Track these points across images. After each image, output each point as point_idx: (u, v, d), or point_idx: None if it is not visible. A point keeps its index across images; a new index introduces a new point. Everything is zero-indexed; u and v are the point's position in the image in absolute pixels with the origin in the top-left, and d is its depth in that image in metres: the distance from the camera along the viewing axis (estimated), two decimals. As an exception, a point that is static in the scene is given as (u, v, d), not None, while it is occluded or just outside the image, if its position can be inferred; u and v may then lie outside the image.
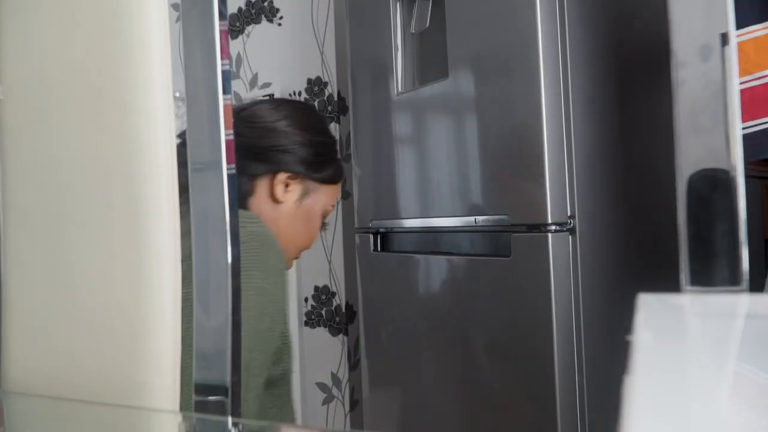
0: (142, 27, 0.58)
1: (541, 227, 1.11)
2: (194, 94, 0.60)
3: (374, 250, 1.62)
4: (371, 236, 1.61)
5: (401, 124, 1.54)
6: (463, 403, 1.30)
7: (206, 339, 0.59)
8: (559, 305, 1.07)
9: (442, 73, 1.36)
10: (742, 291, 0.48)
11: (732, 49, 0.47)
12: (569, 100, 1.10)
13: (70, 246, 0.61)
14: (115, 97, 0.58)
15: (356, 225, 1.69)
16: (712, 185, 0.49)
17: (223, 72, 0.59)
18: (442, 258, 1.39)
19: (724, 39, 0.48)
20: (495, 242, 1.24)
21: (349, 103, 1.70)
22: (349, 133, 2.22)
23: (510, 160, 1.19)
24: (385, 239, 1.62)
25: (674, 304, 0.48)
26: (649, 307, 0.43)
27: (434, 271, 1.41)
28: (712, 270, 0.48)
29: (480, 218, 1.25)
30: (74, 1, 0.61)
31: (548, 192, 1.09)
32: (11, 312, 0.63)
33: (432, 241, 1.46)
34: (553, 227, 1.09)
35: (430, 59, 1.48)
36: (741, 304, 0.47)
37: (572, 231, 1.09)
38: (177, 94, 0.64)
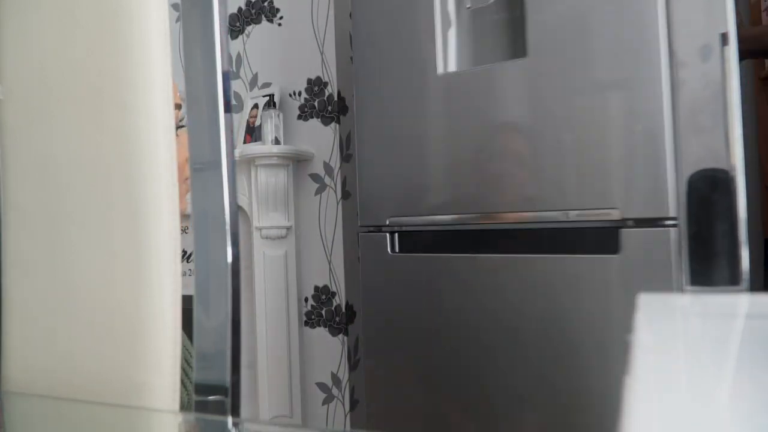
0: (142, 27, 0.58)
1: (657, 221, 1.04)
2: (194, 94, 0.60)
3: (393, 251, 1.49)
4: (387, 236, 1.49)
5: (444, 111, 1.38)
6: (550, 413, 1.23)
7: (206, 339, 0.59)
8: None
9: (518, 51, 1.26)
10: (742, 291, 0.48)
11: (732, 49, 0.47)
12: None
13: (70, 246, 0.61)
14: (115, 97, 0.58)
15: (361, 223, 1.56)
16: (712, 185, 0.49)
17: (223, 72, 0.59)
18: (514, 257, 1.27)
19: (724, 39, 0.48)
20: (594, 238, 1.16)
21: (353, 93, 1.56)
22: (349, 133, 2.22)
23: (617, 150, 1.10)
24: (406, 239, 1.48)
25: (674, 303, 0.48)
26: (649, 307, 0.43)
27: (504, 272, 1.30)
28: (712, 270, 0.48)
29: (573, 212, 1.16)
30: (74, 1, 0.61)
31: (669, 184, 1.03)
32: (11, 312, 0.63)
33: (482, 239, 1.34)
34: (672, 222, 1.04)
35: (491, 36, 1.36)
36: (741, 303, 0.47)
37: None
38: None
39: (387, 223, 1.47)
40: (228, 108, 0.59)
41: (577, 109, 1.18)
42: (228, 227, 0.58)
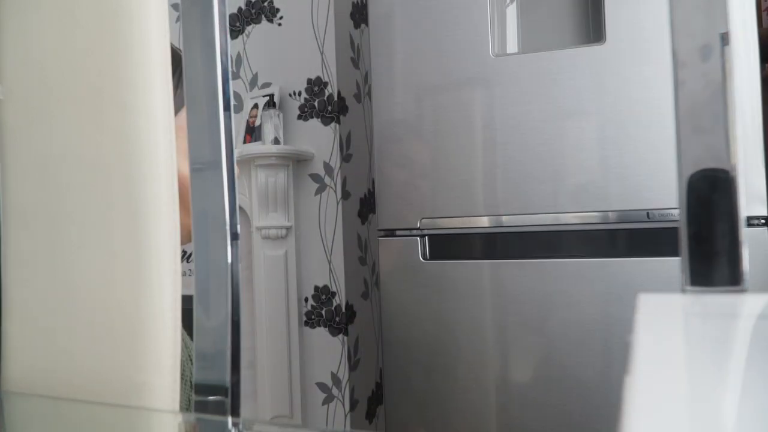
0: (142, 27, 0.58)
1: (751, 221, 0.98)
2: (194, 94, 0.60)
3: (424, 257, 1.26)
4: (418, 240, 1.26)
5: (497, 97, 1.18)
6: None
7: (206, 339, 0.59)
8: None
9: (593, 36, 1.14)
10: (742, 291, 0.48)
11: (732, 49, 0.47)
12: None
13: (70, 246, 0.61)
14: (115, 97, 0.58)
15: (381, 227, 1.31)
16: (712, 185, 0.49)
17: (223, 72, 0.59)
18: (587, 261, 1.11)
19: (724, 39, 0.48)
20: (672, 239, 1.10)
21: (370, 81, 1.33)
22: (349, 133, 2.22)
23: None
24: (437, 243, 1.25)
25: (674, 303, 0.48)
26: (648, 306, 0.43)
27: (567, 279, 1.14)
28: (712, 270, 0.48)
29: (656, 212, 1.06)
30: (74, 1, 0.61)
31: (765, 182, 0.96)
32: (11, 312, 0.63)
33: (538, 241, 1.16)
34: (764, 221, 0.97)
35: (553, 19, 1.21)
36: (741, 303, 0.47)
37: None
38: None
39: (418, 225, 1.26)
40: (228, 108, 0.59)
41: (656, 98, 1.06)
42: (228, 227, 0.58)
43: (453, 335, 1.21)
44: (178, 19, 0.67)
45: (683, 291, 0.47)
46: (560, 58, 1.16)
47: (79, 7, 0.60)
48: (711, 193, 0.49)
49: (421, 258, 1.24)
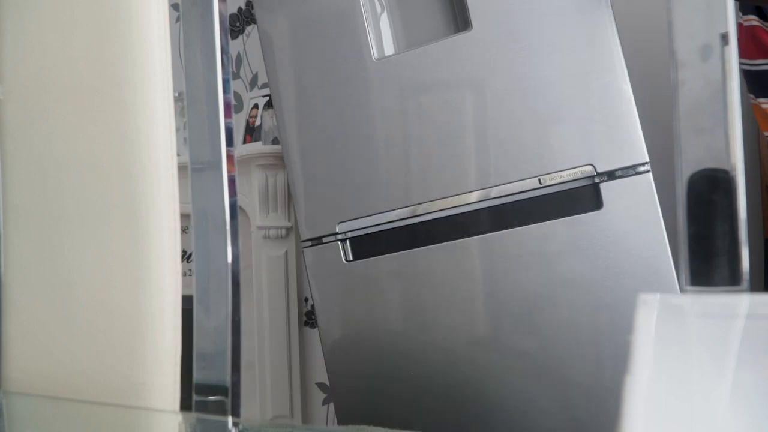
0: (142, 27, 0.58)
1: (632, 169, 1.06)
2: (194, 94, 0.60)
3: (347, 259, 1.31)
4: (339, 244, 1.31)
5: (387, 96, 1.27)
6: (548, 387, 1.15)
7: (206, 339, 0.59)
8: (672, 244, 1.03)
9: (460, 25, 1.21)
10: (742, 291, 0.48)
11: (732, 49, 0.47)
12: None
13: (70, 246, 0.61)
14: (115, 97, 0.58)
15: (304, 238, 1.34)
16: (712, 185, 0.49)
17: (223, 72, 0.59)
18: (488, 237, 1.17)
19: (724, 39, 0.48)
20: (572, 198, 1.13)
21: (278, 95, 1.38)
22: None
23: (581, 107, 1.10)
24: (359, 244, 1.30)
25: (674, 303, 0.48)
26: (649, 306, 0.43)
27: (478, 255, 1.20)
28: (712, 270, 0.48)
29: (546, 177, 1.13)
30: (73, 1, 0.61)
31: (641, 130, 1.04)
32: (11, 312, 0.63)
33: (449, 225, 1.23)
34: (647, 167, 1.05)
35: (420, 16, 1.29)
36: (741, 303, 0.47)
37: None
38: (177, 94, 0.64)
39: (336, 230, 1.31)
40: (228, 108, 0.59)
41: (528, 74, 1.15)
42: (228, 227, 0.58)
43: (386, 328, 1.30)
44: (178, 19, 0.67)
45: (683, 291, 0.47)
46: (434, 50, 1.23)
47: (78, 6, 0.60)
48: (711, 193, 0.49)
49: (344, 260, 1.31)
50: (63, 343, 0.61)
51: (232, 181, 0.59)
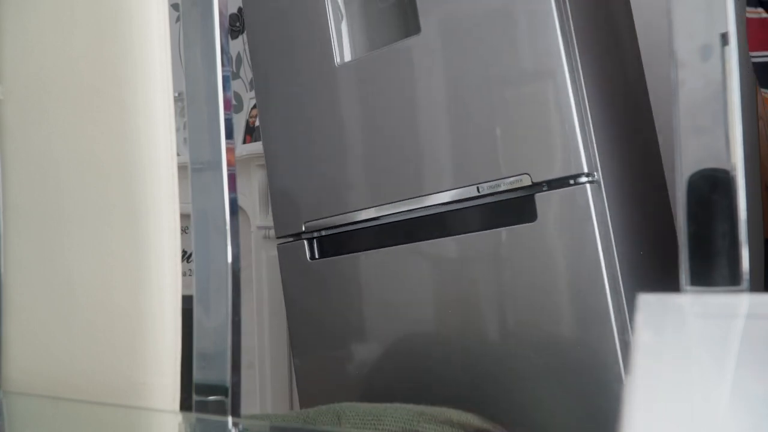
0: (142, 27, 0.58)
1: (569, 180, 1.04)
2: (194, 94, 0.60)
3: (312, 258, 1.38)
4: (305, 243, 1.38)
5: (348, 100, 1.33)
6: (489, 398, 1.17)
7: (206, 339, 0.59)
8: (606, 257, 1.02)
9: (410, 29, 1.22)
10: (742, 291, 0.48)
11: (732, 49, 0.47)
12: (573, 42, 1.06)
13: (70, 246, 0.61)
14: (115, 97, 0.58)
15: (278, 235, 1.44)
16: (712, 185, 0.49)
17: (223, 72, 0.59)
18: (433, 243, 1.20)
19: (724, 39, 0.48)
20: (510, 209, 1.12)
21: (259, 97, 1.47)
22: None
23: (520, 114, 1.09)
24: (326, 243, 1.37)
25: (674, 304, 0.48)
26: (649, 307, 0.43)
27: (426, 261, 1.25)
28: (712, 270, 0.48)
29: (484, 185, 1.12)
30: (74, 1, 0.61)
31: (580, 141, 1.03)
32: (11, 312, 0.63)
33: (396, 231, 1.27)
34: (584, 179, 1.04)
35: (379, 21, 1.34)
36: (741, 303, 0.47)
37: (597, 182, 1.05)
38: (177, 94, 0.64)
39: (303, 229, 1.37)
40: (228, 108, 0.59)
41: (470, 80, 1.16)
42: (228, 227, 0.58)
43: (351, 327, 1.33)
44: (178, 19, 0.67)
45: (683, 291, 0.48)
46: (386, 54, 1.25)
47: (78, 7, 0.60)
48: (711, 193, 0.49)
49: (308, 258, 1.37)
50: (63, 343, 0.61)
51: (232, 181, 0.59)
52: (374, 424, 0.82)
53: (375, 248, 1.27)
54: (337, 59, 1.31)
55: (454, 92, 1.17)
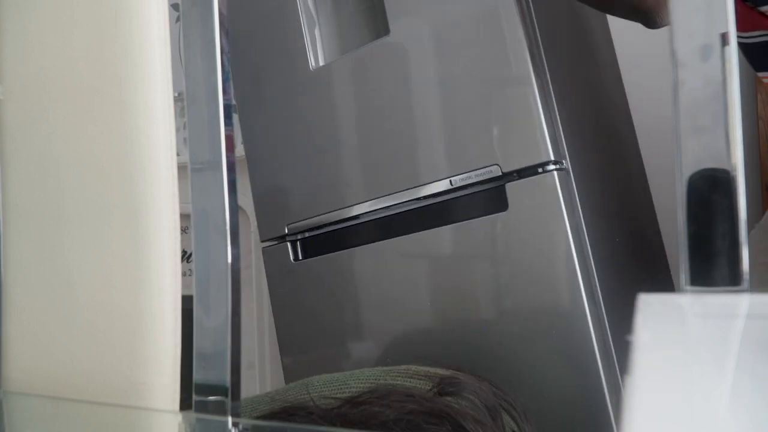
0: (142, 27, 0.58)
1: (537, 169, 1.07)
2: (194, 94, 0.60)
3: (296, 259, 1.39)
4: (289, 245, 1.40)
5: (323, 103, 1.35)
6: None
7: (206, 339, 0.59)
8: (576, 243, 1.04)
9: (380, 31, 1.25)
10: (742, 291, 0.48)
11: (732, 49, 0.47)
12: (537, 35, 1.09)
13: (70, 246, 0.61)
14: (115, 96, 0.58)
15: (262, 238, 1.46)
16: (712, 185, 0.49)
17: (223, 72, 0.59)
18: (413, 236, 1.21)
19: (724, 39, 0.48)
20: (480, 199, 1.15)
21: (239, 104, 1.51)
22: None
23: (488, 108, 1.13)
24: (309, 244, 1.39)
25: (674, 304, 0.48)
26: (649, 307, 0.43)
27: (406, 256, 1.25)
28: (712, 270, 0.48)
29: (456, 178, 1.15)
30: (74, 1, 0.61)
31: (546, 130, 1.06)
32: (10, 312, 0.63)
33: (375, 228, 1.28)
34: (552, 166, 1.06)
35: (350, 24, 1.37)
36: (741, 303, 0.47)
37: (566, 170, 1.08)
38: (177, 94, 0.64)
39: (286, 231, 1.40)
40: (228, 108, 0.59)
41: (438, 75, 1.17)
42: (228, 227, 0.58)
43: (336, 325, 1.33)
44: (178, 19, 0.67)
45: (683, 291, 0.47)
46: (359, 56, 1.26)
47: (78, 7, 0.60)
48: (711, 193, 0.49)
49: (292, 260, 1.37)
50: (63, 343, 0.61)
51: (232, 180, 0.59)
52: (340, 388, 0.83)
53: (355, 246, 1.29)
54: (312, 63, 1.34)
55: (423, 91, 1.19)
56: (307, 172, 1.36)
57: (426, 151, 1.20)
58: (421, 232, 1.21)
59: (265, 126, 1.46)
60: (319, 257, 1.35)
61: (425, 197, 1.21)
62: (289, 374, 1.44)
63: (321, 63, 1.35)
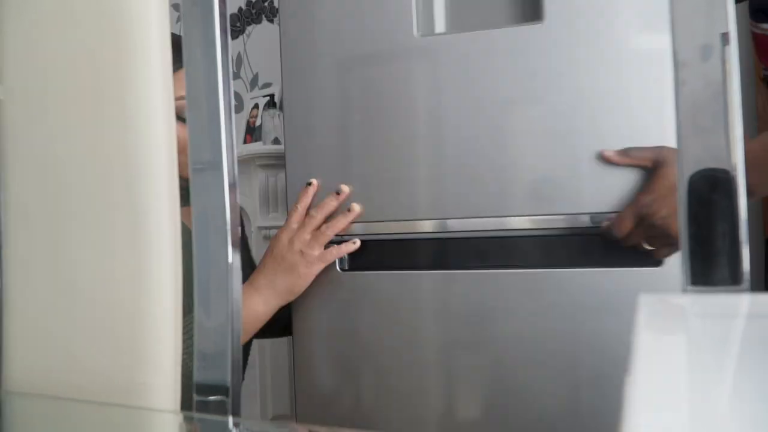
0: (143, 27, 0.58)
1: None
2: (194, 94, 0.60)
3: (342, 268, 1.06)
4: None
5: (428, 83, 1.01)
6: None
7: (206, 339, 0.59)
8: None
9: (530, 15, 0.96)
10: (743, 291, 0.48)
11: (732, 49, 0.47)
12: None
13: (71, 246, 0.61)
14: (115, 96, 0.58)
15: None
16: (712, 185, 0.49)
17: (223, 72, 0.59)
18: (523, 273, 0.94)
19: (725, 39, 0.48)
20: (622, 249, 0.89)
21: (288, 93, 1.18)
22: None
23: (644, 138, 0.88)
24: (359, 254, 1.05)
25: (675, 303, 0.48)
26: (649, 307, 0.43)
27: (505, 290, 0.96)
28: (712, 270, 0.48)
29: (601, 215, 0.89)
30: (74, 1, 0.61)
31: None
32: (12, 312, 0.63)
33: (472, 249, 0.99)
34: None
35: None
36: (741, 303, 0.47)
37: None
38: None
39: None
40: (228, 108, 0.59)
41: (598, 85, 0.92)
42: (228, 227, 0.58)
43: (372, 355, 1.05)
44: (178, 20, 0.67)
45: (683, 291, 0.48)
46: (494, 38, 0.97)
47: (78, 7, 0.60)
48: (711, 193, 0.49)
49: (338, 268, 1.07)
50: (64, 342, 0.61)
51: (232, 181, 0.59)
52: None
53: (415, 269, 1.02)
54: (419, 28, 0.99)
55: (581, 99, 0.91)
56: (375, 172, 1.03)
57: (565, 174, 0.92)
58: (546, 270, 0.93)
59: (323, 117, 1.09)
60: (367, 272, 1.05)
61: (534, 229, 0.93)
62: (302, 390, 1.15)
63: (436, 31, 1.00)
